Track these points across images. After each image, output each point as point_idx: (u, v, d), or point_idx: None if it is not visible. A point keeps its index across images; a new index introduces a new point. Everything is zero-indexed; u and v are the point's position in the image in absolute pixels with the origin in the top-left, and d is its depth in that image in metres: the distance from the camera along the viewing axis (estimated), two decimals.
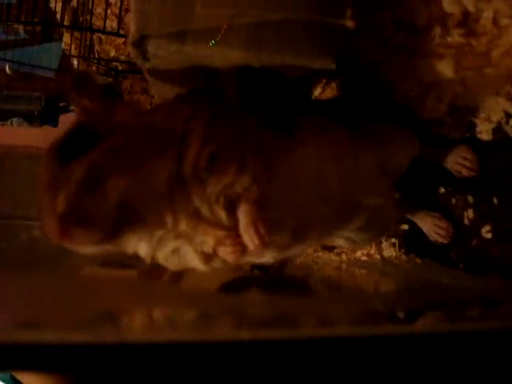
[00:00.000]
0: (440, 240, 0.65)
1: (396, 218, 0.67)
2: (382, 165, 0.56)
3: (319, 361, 0.34)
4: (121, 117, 0.44)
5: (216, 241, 0.44)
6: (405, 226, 0.70)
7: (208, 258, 0.46)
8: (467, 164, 0.63)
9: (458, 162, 0.63)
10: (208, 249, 0.45)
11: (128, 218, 0.41)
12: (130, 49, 0.53)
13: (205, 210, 0.44)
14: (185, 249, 0.45)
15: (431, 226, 0.66)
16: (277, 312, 0.45)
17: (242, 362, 0.33)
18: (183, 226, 0.44)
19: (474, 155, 0.62)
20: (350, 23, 0.52)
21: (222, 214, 0.44)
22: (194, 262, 0.46)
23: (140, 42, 0.52)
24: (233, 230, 0.44)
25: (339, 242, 0.60)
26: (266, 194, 0.45)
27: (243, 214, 0.44)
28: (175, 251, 0.46)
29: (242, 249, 0.44)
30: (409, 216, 0.68)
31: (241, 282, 0.58)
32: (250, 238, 0.43)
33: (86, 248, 0.42)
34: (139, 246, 0.45)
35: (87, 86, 0.45)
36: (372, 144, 0.56)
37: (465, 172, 0.63)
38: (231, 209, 0.44)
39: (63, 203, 0.39)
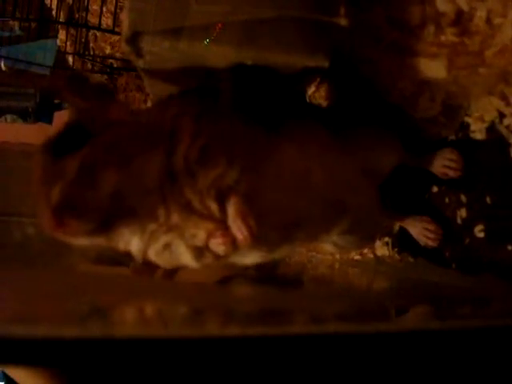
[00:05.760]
0: (430, 243, 0.65)
1: (382, 224, 0.68)
2: (364, 167, 0.57)
3: (310, 358, 0.34)
4: (113, 115, 0.46)
5: (207, 233, 0.45)
6: (398, 225, 0.70)
7: (199, 253, 0.46)
8: (453, 165, 0.63)
9: (444, 164, 0.63)
10: (199, 242, 0.45)
11: (120, 211, 0.42)
12: (123, 45, 0.53)
13: (196, 203, 0.44)
14: (176, 244, 0.46)
15: (421, 230, 0.66)
16: (269, 309, 0.45)
17: (235, 358, 0.33)
18: (175, 219, 0.44)
19: (460, 156, 0.63)
20: (343, 21, 0.52)
21: (213, 207, 0.44)
22: (186, 257, 0.46)
23: (133, 39, 0.52)
24: (223, 223, 0.45)
25: (327, 247, 0.61)
26: (254, 188, 0.46)
27: (232, 206, 0.44)
28: (167, 246, 0.46)
29: (232, 240, 0.44)
30: (398, 223, 0.69)
31: (234, 279, 0.58)
32: (238, 229, 0.44)
33: (79, 240, 0.43)
34: (131, 241, 0.45)
35: (81, 86, 0.46)
36: (355, 146, 0.57)
37: (451, 173, 0.63)
38: (222, 201, 0.45)
39: (57, 195, 0.40)
